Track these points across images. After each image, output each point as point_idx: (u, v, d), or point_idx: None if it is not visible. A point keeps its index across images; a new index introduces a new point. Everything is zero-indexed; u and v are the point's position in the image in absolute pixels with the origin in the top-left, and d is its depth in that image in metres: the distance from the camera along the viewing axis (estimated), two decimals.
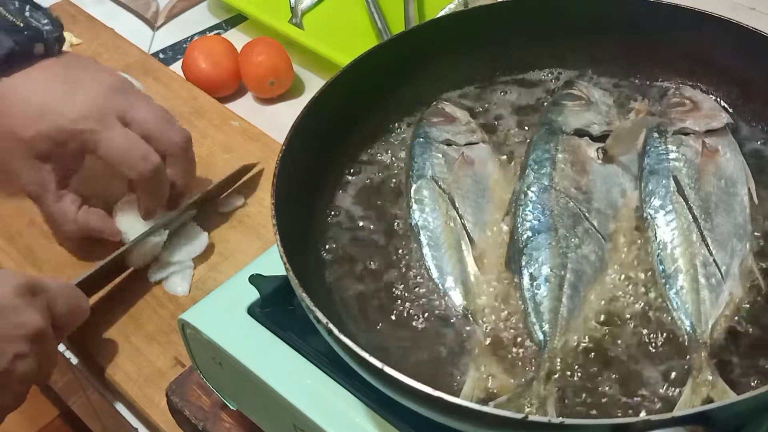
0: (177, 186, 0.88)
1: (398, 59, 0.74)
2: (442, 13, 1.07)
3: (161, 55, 1.19)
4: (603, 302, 0.61)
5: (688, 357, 0.57)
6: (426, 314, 0.62)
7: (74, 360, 0.88)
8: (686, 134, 0.69)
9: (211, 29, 1.23)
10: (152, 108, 0.86)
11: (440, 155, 0.70)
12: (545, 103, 0.75)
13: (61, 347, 0.88)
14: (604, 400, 0.56)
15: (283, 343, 0.63)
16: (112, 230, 0.87)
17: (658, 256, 0.63)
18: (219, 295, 0.68)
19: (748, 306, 0.60)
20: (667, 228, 0.64)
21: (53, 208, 0.86)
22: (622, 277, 0.62)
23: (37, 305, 0.70)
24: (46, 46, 0.85)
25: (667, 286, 0.61)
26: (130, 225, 0.88)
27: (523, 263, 0.62)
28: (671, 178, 0.66)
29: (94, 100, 0.82)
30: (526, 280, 0.62)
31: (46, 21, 0.85)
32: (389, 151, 0.74)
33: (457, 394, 0.56)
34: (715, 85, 0.74)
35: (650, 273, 0.62)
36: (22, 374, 0.67)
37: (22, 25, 0.83)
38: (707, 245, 0.62)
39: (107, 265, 0.84)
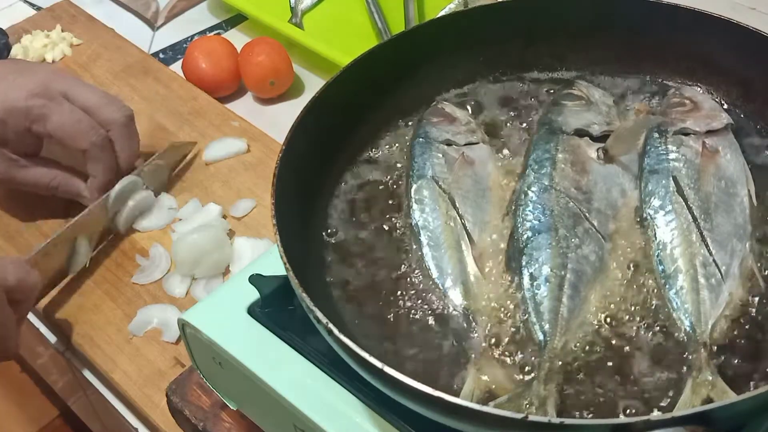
0: (120, 163, 0.92)
1: (398, 59, 0.74)
2: (442, 13, 1.07)
3: (161, 55, 1.19)
4: (603, 302, 0.61)
5: (688, 357, 0.57)
6: (426, 314, 0.62)
7: (74, 360, 0.88)
8: (686, 134, 0.69)
9: (211, 29, 1.23)
10: (92, 88, 0.92)
11: (440, 155, 0.70)
12: (545, 103, 0.75)
13: (62, 347, 0.88)
14: (603, 400, 0.56)
15: (283, 343, 0.63)
16: (83, 192, 0.92)
17: (657, 256, 0.62)
18: (219, 295, 0.68)
19: (747, 306, 0.60)
20: (666, 228, 0.64)
21: (27, 178, 0.92)
22: (622, 277, 0.62)
23: None
24: None
25: (667, 286, 0.61)
26: None
27: (523, 263, 0.62)
28: (671, 179, 0.66)
29: (39, 80, 0.88)
30: (526, 280, 0.62)
31: None
32: (389, 151, 0.74)
33: (457, 394, 0.56)
34: (715, 85, 0.74)
35: (650, 273, 0.62)
36: None
37: None
38: (707, 245, 0.62)
39: (63, 235, 0.86)
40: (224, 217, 0.93)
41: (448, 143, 0.71)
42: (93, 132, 0.89)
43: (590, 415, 0.55)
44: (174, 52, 1.19)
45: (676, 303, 0.60)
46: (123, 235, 0.93)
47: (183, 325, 0.66)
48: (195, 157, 1.01)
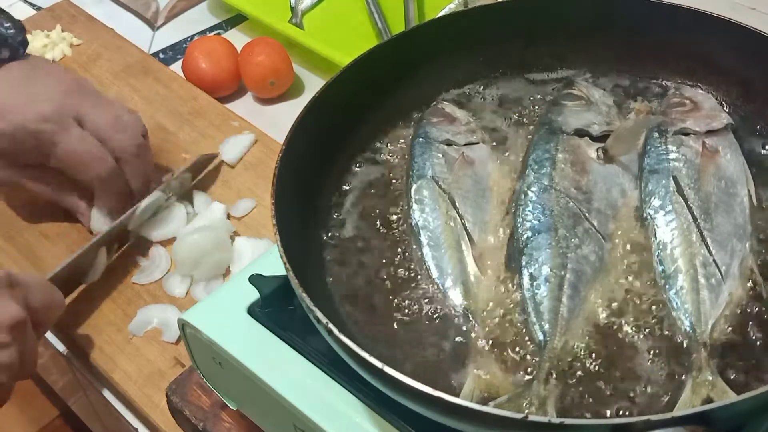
0: (132, 187, 0.90)
1: (398, 59, 0.74)
2: (442, 13, 1.07)
3: (161, 55, 1.19)
4: (603, 302, 0.61)
5: (688, 357, 0.57)
6: (426, 314, 0.62)
7: (74, 360, 0.88)
8: (686, 134, 0.69)
9: (211, 29, 1.23)
10: (106, 112, 0.88)
11: (440, 155, 0.70)
12: (545, 103, 0.75)
13: (61, 347, 0.88)
14: (604, 400, 0.56)
15: (283, 343, 0.63)
16: (83, 211, 0.91)
17: (657, 256, 0.62)
18: (219, 295, 0.68)
19: (747, 306, 0.60)
20: (666, 228, 0.64)
21: (35, 188, 0.90)
22: (622, 277, 0.62)
23: (15, 297, 0.72)
24: (11, 50, 0.88)
25: (667, 286, 0.61)
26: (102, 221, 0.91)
27: (523, 263, 0.62)
28: (671, 178, 0.66)
29: (52, 102, 0.85)
30: (526, 280, 0.62)
31: (8, 25, 0.88)
32: (389, 151, 0.74)
33: (457, 394, 0.56)
34: (715, 85, 0.74)
35: (650, 273, 0.62)
36: (3, 365, 0.69)
37: None
38: (707, 245, 0.62)
39: (87, 251, 0.85)
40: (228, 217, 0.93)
41: (448, 143, 0.71)
42: (100, 164, 0.86)
43: (590, 415, 0.55)
44: (174, 52, 1.19)
45: (676, 303, 0.60)
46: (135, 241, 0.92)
47: (183, 325, 0.66)
48: (194, 156, 1.01)
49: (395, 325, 0.62)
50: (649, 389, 0.56)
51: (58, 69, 0.91)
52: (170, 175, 0.95)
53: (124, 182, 0.89)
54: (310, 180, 0.68)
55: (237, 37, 1.18)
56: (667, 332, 0.59)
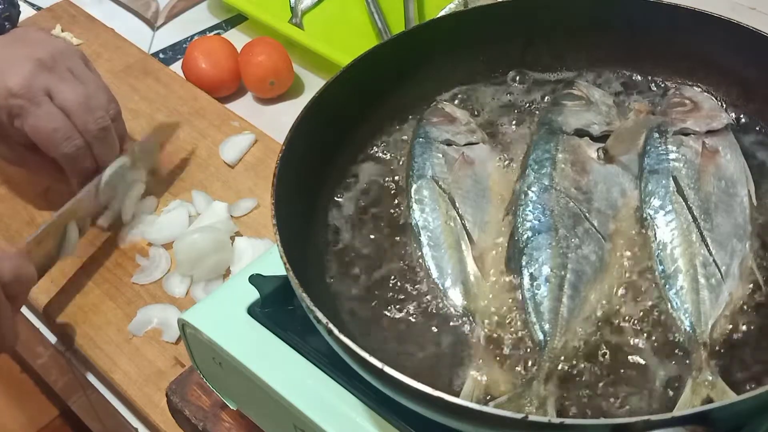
0: (100, 167, 0.91)
1: (398, 59, 0.74)
2: (442, 13, 1.07)
3: (161, 55, 1.19)
4: (603, 302, 0.61)
5: (688, 357, 0.57)
6: (426, 314, 0.62)
7: (74, 360, 0.88)
8: (686, 134, 0.69)
9: (211, 29, 1.23)
10: (76, 89, 0.89)
11: (440, 155, 0.70)
12: (545, 103, 0.75)
13: (62, 347, 0.88)
14: (604, 400, 0.56)
15: (283, 343, 0.63)
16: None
17: (657, 256, 0.62)
18: (219, 295, 0.68)
19: (747, 306, 0.60)
20: (666, 228, 0.64)
21: (36, 168, 0.92)
22: (622, 277, 0.62)
23: None
24: (11, 24, 0.90)
25: (667, 286, 0.61)
26: None
27: (524, 263, 0.62)
28: (671, 179, 0.66)
29: (20, 77, 0.86)
30: (526, 280, 0.62)
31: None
32: (389, 151, 0.74)
33: (457, 394, 0.56)
34: (715, 85, 0.74)
35: (650, 273, 0.62)
36: None
37: None
38: (707, 245, 0.62)
39: (54, 224, 0.86)
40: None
41: (448, 143, 0.71)
42: (66, 143, 0.87)
43: (590, 415, 0.55)
44: (174, 52, 1.19)
45: (676, 303, 0.60)
46: (125, 226, 0.93)
47: (183, 325, 0.66)
48: (194, 157, 1.01)
49: (395, 325, 0.62)
50: (649, 389, 0.56)
51: (42, 40, 0.91)
52: (133, 143, 0.95)
53: (92, 161, 0.90)
54: (310, 180, 0.68)
55: (237, 37, 1.18)
56: (667, 332, 0.59)
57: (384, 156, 0.73)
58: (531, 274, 0.62)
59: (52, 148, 0.87)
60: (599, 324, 0.60)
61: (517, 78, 0.78)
